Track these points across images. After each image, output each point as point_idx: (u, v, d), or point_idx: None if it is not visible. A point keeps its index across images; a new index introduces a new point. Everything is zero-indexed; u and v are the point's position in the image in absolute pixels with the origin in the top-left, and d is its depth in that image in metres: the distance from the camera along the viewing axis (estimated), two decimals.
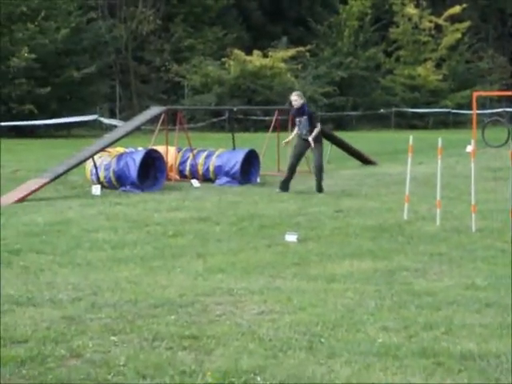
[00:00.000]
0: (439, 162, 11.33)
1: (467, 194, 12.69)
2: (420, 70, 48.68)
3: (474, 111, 27.68)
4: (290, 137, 15.35)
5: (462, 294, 6.92)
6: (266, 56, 44.89)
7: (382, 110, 45.71)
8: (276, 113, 20.03)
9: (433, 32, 49.86)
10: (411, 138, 11.89)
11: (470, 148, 11.30)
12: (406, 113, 46.19)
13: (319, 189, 14.82)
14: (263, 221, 11.29)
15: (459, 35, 49.51)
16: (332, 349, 5.37)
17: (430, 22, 49.71)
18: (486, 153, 23.66)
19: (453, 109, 45.85)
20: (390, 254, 8.80)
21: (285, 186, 14.85)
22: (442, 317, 6.18)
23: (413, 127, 43.94)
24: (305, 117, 14.67)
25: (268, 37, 48.05)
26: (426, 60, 49.67)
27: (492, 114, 36.62)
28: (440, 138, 11.22)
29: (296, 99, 14.80)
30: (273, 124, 19.36)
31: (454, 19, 49.80)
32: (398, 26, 50.40)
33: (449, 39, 49.61)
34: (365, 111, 46.42)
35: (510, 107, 36.41)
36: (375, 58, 49.36)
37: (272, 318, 6.15)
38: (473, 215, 10.43)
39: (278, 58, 44.72)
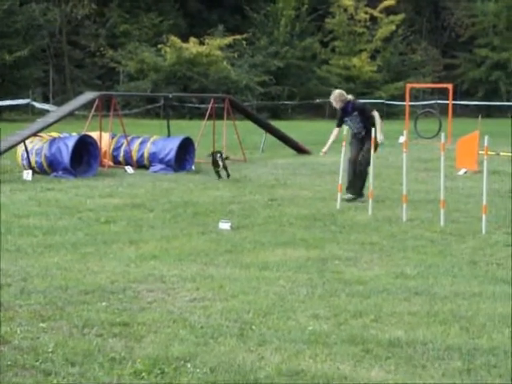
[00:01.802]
0: (372, 152, 11.45)
1: (399, 185, 12.89)
2: (355, 60, 49.12)
3: (407, 103, 27.99)
4: (329, 142, 12.44)
5: (392, 283, 7.02)
6: (202, 43, 44.72)
7: (317, 100, 45.98)
8: (212, 101, 19.97)
9: (368, 23, 50.33)
10: (345, 128, 11.99)
11: (402, 139, 11.44)
12: None
13: (359, 192, 12.47)
14: (197, 208, 11.27)
15: (394, 27, 50.09)
16: (263, 336, 5.40)
17: (366, 13, 50.16)
18: (418, 144, 24.05)
19: (387, 100, 46.40)
20: (323, 243, 8.87)
21: (357, 192, 12.51)
22: (371, 305, 6.26)
23: None
24: (355, 113, 12.49)
25: (204, 24, 47.87)
26: (361, 51, 50.13)
27: (424, 105, 37.17)
28: (373, 128, 11.32)
29: (334, 103, 12.64)
30: (208, 112, 19.30)
31: (388, 11, 50.35)
32: (333, 17, 50.73)
33: (383, 31, 50.14)
34: (300, 101, 46.66)
35: (441, 99, 37.00)
36: (311, 48, 49.59)
37: (204, 305, 6.15)
38: (404, 205, 10.58)
39: (215, 45, 44.60)
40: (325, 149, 12.42)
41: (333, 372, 4.76)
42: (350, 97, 12.63)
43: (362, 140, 12.47)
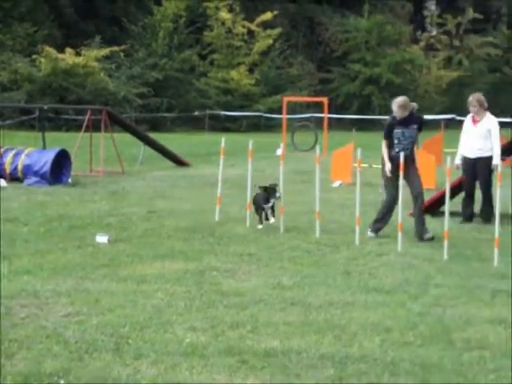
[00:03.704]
0: (250, 164, 11.58)
1: None
2: (233, 73, 49.46)
3: (284, 116, 28.45)
4: (386, 157, 10.51)
5: (269, 293, 7.12)
6: (78, 54, 43.99)
7: (196, 113, 46.04)
8: (89, 112, 19.70)
9: (246, 37, 50.82)
10: (223, 140, 12.07)
11: (279, 151, 11.60)
12: (220, 115, 46.82)
13: (421, 235, 10.36)
14: (73, 221, 11.08)
15: (271, 41, 50.72)
16: (139, 350, 5.37)
17: (243, 27, 50.62)
18: (295, 156, 24.45)
19: (265, 113, 46.94)
20: (201, 255, 8.90)
21: (378, 226, 10.74)
22: (248, 315, 6.33)
23: (226, 130, 44.53)
24: (414, 126, 10.56)
25: (81, 35, 47.09)
26: (239, 64, 50.52)
27: (301, 118, 37.82)
28: (251, 140, 11.45)
29: (397, 111, 10.54)
30: (85, 123, 19.01)
31: (265, 25, 50.99)
32: (212, 30, 50.95)
33: (261, 45, 50.70)
34: (179, 113, 46.59)
35: (317, 113, 37.76)
36: (190, 61, 49.60)
37: (79, 320, 6.05)
38: (281, 217, 10.73)
39: (91, 56, 43.95)
40: (387, 167, 10.36)
41: (209, 383, 4.78)
42: (414, 105, 10.88)
43: (405, 160, 10.13)
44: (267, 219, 10.93)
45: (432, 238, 10.15)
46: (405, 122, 10.50)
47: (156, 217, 11.82)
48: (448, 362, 5.29)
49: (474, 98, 11.88)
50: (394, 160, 10.29)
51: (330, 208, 13.07)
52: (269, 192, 10.90)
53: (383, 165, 10.57)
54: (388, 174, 10.36)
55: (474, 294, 7.27)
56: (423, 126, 10.80)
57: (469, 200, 12.08)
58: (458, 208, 12.12)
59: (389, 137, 10.57)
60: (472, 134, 11.90)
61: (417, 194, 10.45)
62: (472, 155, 11.90)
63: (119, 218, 11.62)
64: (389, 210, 10.59)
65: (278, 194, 10.87)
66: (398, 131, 10.50)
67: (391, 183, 10.41)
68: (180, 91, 48.28)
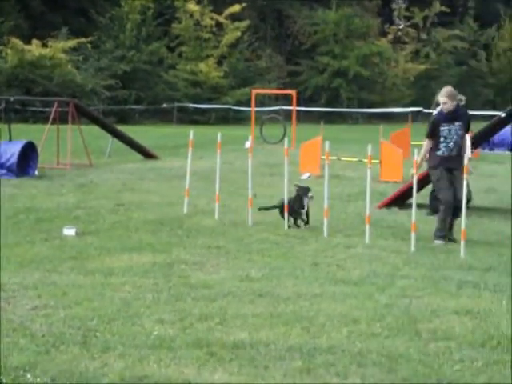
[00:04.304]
0: (218, 157, 11.56)
1: (245, 189, 13.06)
2: (202, 66, 49.35)
3: (253, 108, 28.49)
4: (419, 158, 9.69)
5: (237, 286, 7.12)
6: (45, 46, 43.63)
7: (164, 105, 45.91)
8: (56, 104, 19.55)
9: (214, 29, 50.71)
10: (191, 132, 12.03)
11: (248, 144, 11.61)
12: (188, 108, 46.71)
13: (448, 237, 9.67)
14: (40, 214, 11.00)
15: (239, 33, 50.68)
16: (107, 343, 5.35)
17: (212, 19, 50.51)
18: (264, 149, 24.47)
19: (233, 105, 46.92)
20: (170, 248, 8.88)
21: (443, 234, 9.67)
22: (216, 308, 6.33)
23: (195, 122, 44.47)
24: (458, 123, 9.64)
25: (48, 26, 46.68)
26: (207, 56, 50.41)
27: (270, 111, 37.85)
28: (220, 133, 11.43)
29: (446, 101, 9.55)
30: (52, 116, 18.87)
31: (234, 18, 50.93)
32: (180, 22, 50.77)
33: (229, 37, 50.63)
34: (147, 105, 46.41)
35: (286, 105, 37.84)
36: (158, 53, 49.42)
37: (46, 313, 6.01)
38: (249, 209, 10.74)
39: (59, 48, 43.62)
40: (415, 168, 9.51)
41: (177, 376, 4.78)
42: (462, 98, 9.98)
43: (454, 161, 9.53)
44: (296, 223, 10.52)
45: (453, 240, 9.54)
46: (451, 118, 9.56)
47: (124, 209, 11.77)
48: (414, 352, 5.33)
49: (445, 92, 11.57)
50: (442, 161, 9.45)
51: None
52: (302, 192, 10.47)
53: (432, 168, 9.62)
54: (412, 178, 9.46)
55: (441, 285, 7.33)
56: (470, 122, 9.88)
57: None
58: (426, 200, 12.22)
59: (433, 136, 9.57)
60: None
61: (455, 207, 9.46)
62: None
63: (87, 210, 11.56)
64: (448, 214, 9.56)
65: (310, 194, 10.49)
66: (443, 128, 9.55)
67: (445, 184, 9.52)
68: (148, 83, 48.09)
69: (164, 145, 25.83)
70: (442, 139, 9.55)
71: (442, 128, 9.54)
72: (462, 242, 8.79)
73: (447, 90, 9.61)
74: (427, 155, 9.79)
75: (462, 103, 9.93)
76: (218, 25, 50.89)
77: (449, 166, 9.54)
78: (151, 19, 49.18)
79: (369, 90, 52.73)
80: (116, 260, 8.17)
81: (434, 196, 12.04)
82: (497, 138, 22.34)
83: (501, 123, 12.87)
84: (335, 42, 54.67)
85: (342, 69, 53.22)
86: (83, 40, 45.15)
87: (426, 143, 9.73)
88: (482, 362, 5.15)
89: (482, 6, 61.90)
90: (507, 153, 23.46)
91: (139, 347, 5.27)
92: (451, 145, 9.57)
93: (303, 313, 6.25)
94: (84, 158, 18.83)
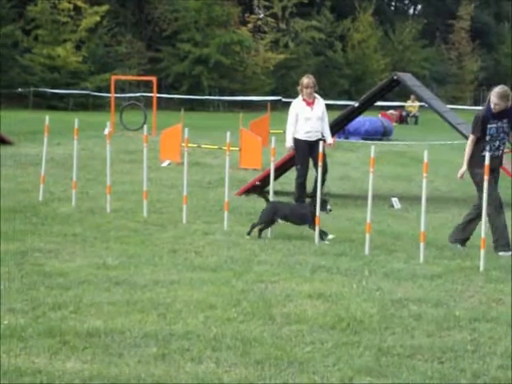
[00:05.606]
0: (75, 143, 11.36)
1: (104, 176, 12.90)
2: (60, 50, 48.11)
3: (112, 94, 28.25)
4: (466, 157, 8.91)
5: (94, 274, 7.05)
6: None
7: (19, 90, 44.53)
8: None
9: (72, 13, 49.53)
10: (47, 118, 11.75)
11: (107, 130, 11.46)
12: (45, 93, 45.50)
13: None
14: None
15: (98, 18, 49.72)
16: None
17: (69, 2, 49.29)
18: (124, 136, 24.19)
19: (93, 91, 46.07)
20: (24, 236, 8.67)
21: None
22: (71, 296, 6.25)
23: (52, 108, 43.33)
24: (505, 121, 8.89)
25: None
26: (65, 41, 49.21)
27: (130, 97, 37.40)
28: (77, 119, 11.22)
29: (498, 103, 8.71)
30: None
31: (92, 2, 49.94)
32: (36, 5, 49.28)
33: (88, 22, 49.57)
34: (1, 89, 44.89)
35: (147, 92, 37.53)
36: (12, 36, 47.82)
37: None
38: (108, 196, 10.62)
39: None
40: (462, 170, 8.88)
41: (27, 366, 4.69)
42: None
43: (497, 161, 8.88)
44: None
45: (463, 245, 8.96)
46: (500, 116, 8.81)
47: None
48: (268, 336, 5.45)
49: (311, 81, 11.50)
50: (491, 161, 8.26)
51: (158, 188, 13.08)
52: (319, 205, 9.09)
53: (476, 169, 8.72)
54: (459, 176, 8.90)
55: (296, 270, 7.52)
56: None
57: (304, 181, 11.63)
58: (283, 188, 12.45)
59: (480, 133, 8.81)
60: (310, 116, 11.51)
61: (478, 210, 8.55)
62: (314, 138, 11.43)
63: None
64: (501, 217, 8.77)
65: (328, 207, 9.31)
66: (491, 126, 8.81)
67: (492, 187, 8.57)
68: (2, 67, 46.45)
69: (19, 130, 25.06)
70: (488, 137, 8.83)
71: (489, 126, 8.81)
72: (317, 228, 9.01)
73: (501, 91, 8.75)
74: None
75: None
76: (76, 8, 49.71)
77: (493, 167, 8.60)
78: (5, 1, 47.53)
79: (230, 78, 52.99)
80: None
81: (300, 184, 11.68)
82: (351, 126, 22.95)
83: (354, 112, 13.31)
84: (196, 29, 54.56)
85: (203, 56, 53.19)
86: None
87: (470, 140, 8.91)
88: (332, 344, 5.33)
89: None
90: (361, 141, 24.20)
91: None
92: (497, 144, 8.89)
93: (160, 300, 6.26)
94: None
